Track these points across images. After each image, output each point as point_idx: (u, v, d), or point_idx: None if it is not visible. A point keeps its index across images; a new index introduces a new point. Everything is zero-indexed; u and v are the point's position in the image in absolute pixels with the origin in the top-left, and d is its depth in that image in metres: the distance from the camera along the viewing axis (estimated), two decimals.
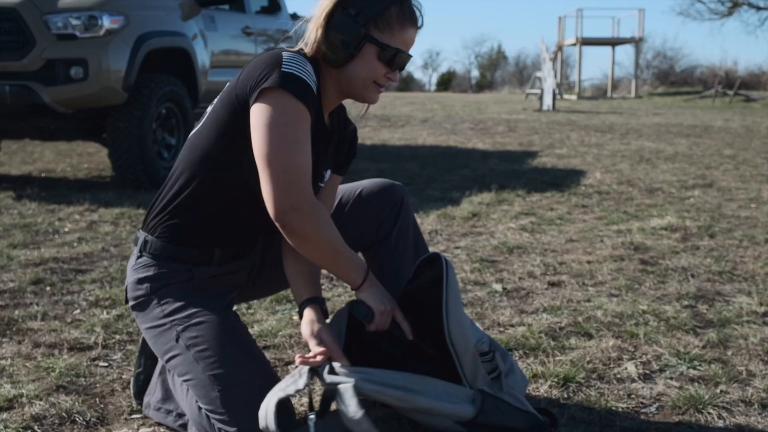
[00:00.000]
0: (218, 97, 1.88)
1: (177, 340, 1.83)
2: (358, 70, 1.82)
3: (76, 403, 2.13)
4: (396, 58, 1.82)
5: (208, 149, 1.86)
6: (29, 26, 5.39)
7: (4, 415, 2.06)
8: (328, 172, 2.03)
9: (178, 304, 1.87)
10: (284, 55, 1.75)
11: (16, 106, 5.43)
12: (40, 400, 2.16)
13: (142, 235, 1.97)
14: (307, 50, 1.83)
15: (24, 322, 2.83)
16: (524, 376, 2.07)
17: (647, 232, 4.52)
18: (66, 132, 5.93)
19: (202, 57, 6.56)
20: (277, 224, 1.72)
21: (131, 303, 1.95)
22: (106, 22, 5.55)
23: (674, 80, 35.20)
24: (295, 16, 8.73)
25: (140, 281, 1.92)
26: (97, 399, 2.20)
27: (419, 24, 1.87)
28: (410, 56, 1.87)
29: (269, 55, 1.77)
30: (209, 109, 1.91)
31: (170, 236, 1.93)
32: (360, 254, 2.12)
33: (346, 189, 2.20)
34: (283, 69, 1.70)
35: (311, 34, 1.82)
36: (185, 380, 1.82)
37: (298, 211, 1.70)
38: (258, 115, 1.72)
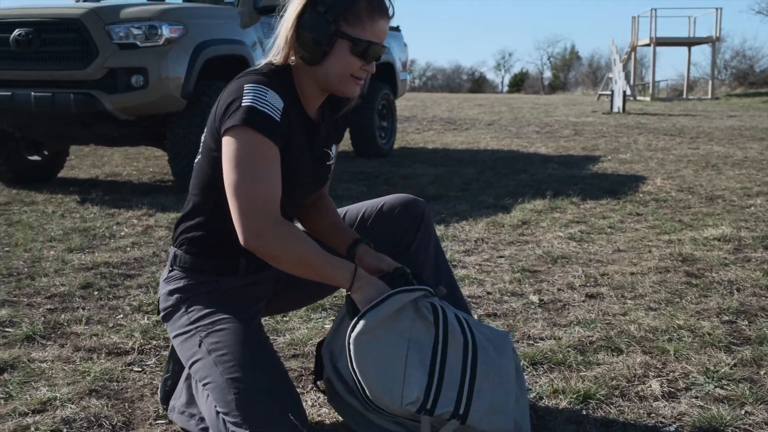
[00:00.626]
0: (207, 125, 1.97)
1: (200, 345, 1.91)
2: (333, 66, 1.88)
3: (105, 408, 2.23)
4: (369, 51, 1.88)
5: (209, 177, 1.97)
6: (93, 36, 5.59)
7: (36, 418, 2.17)
8: (333, 147, 2.14)
9: (204, 312, 1.95)
10: (246, 87, 1.82)
11: (80, 113, 5.64)
12: (72, 403, 2.26)
13: (172, 250, 2.07)
14: (279, 58, 1.91)
15: (69, 325, 2.96)
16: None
17: (699, 242, 4.43)
18: (128, 138, 6.12)
19: None
20: (248, 249, 1.82)
21: (162, 314, 2.05)
22: (166, 32, 5.71)
23: (754, 81, 34.13)
24: None
25: (171, 293, 2.02)
26: (126, 404, 2.29)
27: (390, 14, 1.91)
28: (384, 47, 1.92)
29: (235, 86, 1.85)
30: (203, 137, 2.00)
31: (196, 249, 2.03)
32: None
33: (370, 204, 2.26)
34: (243, 103, 1.78)
35: (281, 39, 1.90)
36: (204, 384, 1.89)
37: (261, 236, 1.78)
38: (225, 150, 1.82)
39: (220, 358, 1.87)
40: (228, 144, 1.81)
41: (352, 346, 1.82)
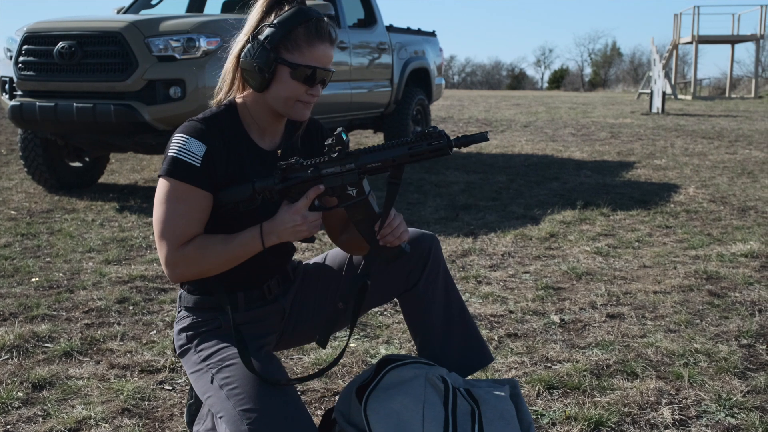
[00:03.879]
0: None
1: (212, 382, 2.00)
2: (279, 92, 1.99)
3: (137, 428, 2.35)
4: (310, 76, 1.97)
5: None
6: (132, 49, 5.76)
7: None
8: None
9: (212, 350, 2.05)
10: (174, 137, 1.98)
11: (120, 123, 5.81)
12: (106, 423, 2.39)
13: (179, 291, 2.18)
14: (222, 94, 2.05)
15: (104, 342, 3.10)
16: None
17: (725, 258, 4.45)
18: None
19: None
20: (178, 282, 2.02)
21: (177, 352, 2.15)
22: (204, 44, 5.85)
23: None
24: (391, 28, 8.92)
25: (180, 332, 2.13)
26: (156, 423, 2.41)
27: (331, 38, 2.00)
28: (327, 71, 2.00)
29: (173, 135, 2.01)
30: None
31: (195, 288, 2.14)
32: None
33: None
34: (169, 154, 1.96)
35: (226, 75, 2.03)
36: (219, 417, 1.99)
37: (173, 266, 1.95)
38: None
39: (231, 392, 1.96)
40: (157, 187, 1.99)
41: (368, 412, 1.93)
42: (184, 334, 2.10)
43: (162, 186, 1.97)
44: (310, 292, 2.24)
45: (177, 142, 1.97)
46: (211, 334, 2.07)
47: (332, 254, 2.35)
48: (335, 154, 1.91)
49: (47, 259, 4.40)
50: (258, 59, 1.94)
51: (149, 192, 6.85)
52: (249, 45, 1.96)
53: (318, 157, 1.94)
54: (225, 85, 2.05)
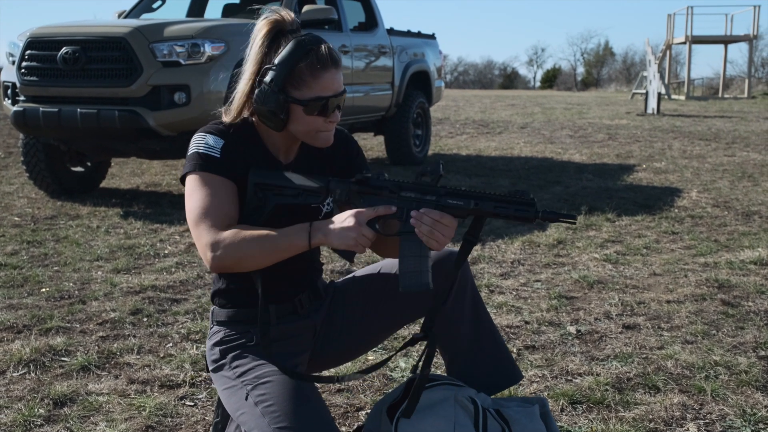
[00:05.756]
0: None
1: (246, 398, 1.99)
2: (298, 128, 2.00)
3: None
4: (322, 107, 1.97)
5: None
6: (137, 54, 5.73)
7: None
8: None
9: (247, 367, 2.03)
10: (194, 137, 2.03)
11: (124, 129, 5.77)
12: None
13: (212, 307, 2.17)
14: (234, 116, 2.04)
15: (121, 355, 3.08)
16: None
17: (735, 266, 4.46)
18: (170, 152, 6.25)
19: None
20: (217, 271, 1.98)
21: (210, 368, 2.13)
22: (208, 49, 5.83)
23: None
24: (391, 31, 8.91)
25: (213, 346, 2.11)
26: None
27: (335, 63, 1.98)
28: (338, 95, 1.99)
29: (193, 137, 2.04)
30: None
31: (226, 302, 2.13)
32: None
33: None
34: (190, 152, 2.01)
35: (238, 104, 2.02)
36: None
37: (209, 247, 1.91)
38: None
39: (266, 409, 1.95)
40: (186, 187, 2.02)
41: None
42: (218, 349, 2.09)
43: (188, 183, 2.01)
44: (340, 311, 2.23)
45: (196, 139, 2.03)
46: (246, 351, 2.06)
47: (360, 274, 2.34)
48: (422, 181, 1.91)
49: (56, 268, 4.37)
50: (268, 104, 1.95)
51: (152, 197, 6.83)
52: (257, 90, 1.96)
53: (405, 180, 1.94)
54: (237, 109, 2.04)
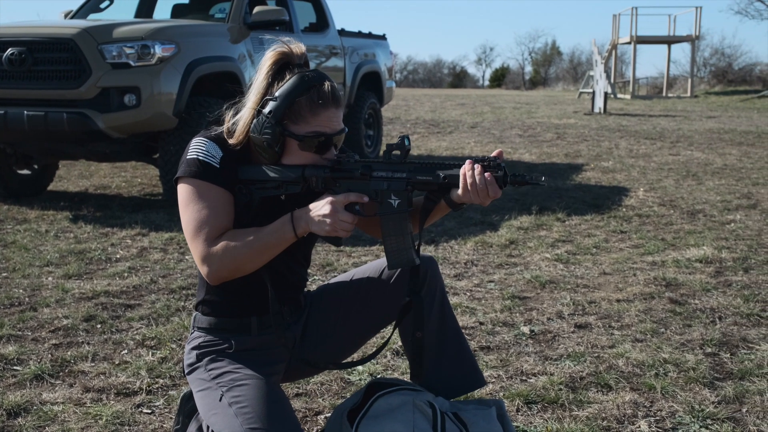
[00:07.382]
0: None
1: (221, 399, 2.01)
2: (293, 159, 2.02)
3: None
4: (318, 144, 1.99)
5: None
6: (86, 56, 5.65)
7: None
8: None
9: (223, 370, 2.07)
10: (192, 141, 2.04)
11: (73, 132, 5.69)
12: None
13: (194, 312, 2.19)
14: (233, 140, 2.05)
15: (76, 363, 3.04)
16: None
17: (681, 264, 4.57)
18: (119, 155, 6.18)
19: (251, 78, 6.76)
20: (217, 282, 2.00)
21: (186, 370, 2.15)
22: (159, 51, 5.77)
23: (732, 78, 34.54)
24: (342, 32, 8.91)
25: (191, 350, 2.15)
26: None
27: (335, 102, 2.01)
28: (337, 134, 2.01)
29: (191, 141, 2.05)
30: None
31: (210, 310, 2.16)
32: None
33: (374, 266, 2.31)
34: (188, 156, 2.01)
35: (241, 132, 2.03)
36: None
37: (205, 262, 1.96)
38: (178, 197, 2.05)
39: (240, 410, 1.97)
40: (178, 192, 2.02)
41: None
42: (195, 352, 2.13)
43: (183, 189, 2.01)
44: (314, 321, 2.27)
45: (196, 145, 2.03)
46: (222, 356, 2.09)
47: (333, 282, 2.36)
48: (393, 157, 1.94)
49: (4, 275, 4.29)
50: (264, 134, 1.96)
51: (102, 200, 6.74)
52: (255, 120, 1.98)
53: (375, 158, 1.96)
54: (236, 139, 2.04)
